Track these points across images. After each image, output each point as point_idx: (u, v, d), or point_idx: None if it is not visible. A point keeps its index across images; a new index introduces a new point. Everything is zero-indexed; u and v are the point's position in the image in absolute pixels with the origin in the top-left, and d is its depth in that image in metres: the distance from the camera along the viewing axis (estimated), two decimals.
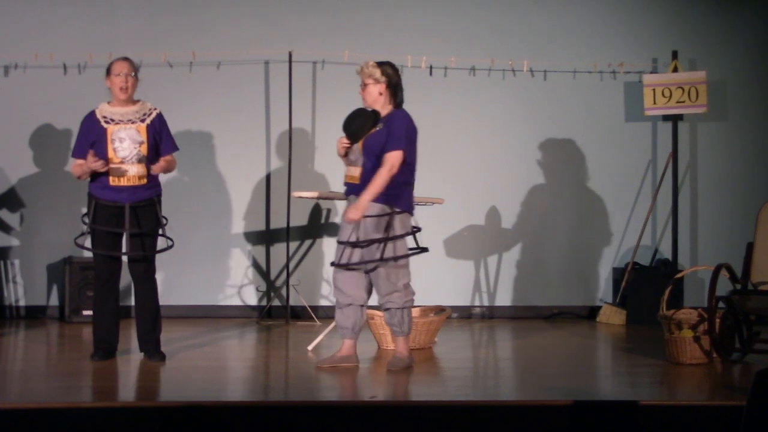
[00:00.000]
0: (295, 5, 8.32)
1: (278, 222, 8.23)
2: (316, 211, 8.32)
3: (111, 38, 8.01)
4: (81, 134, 6.14)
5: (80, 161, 6.10)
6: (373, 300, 6.95)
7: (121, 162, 6.01)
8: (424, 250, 6.23)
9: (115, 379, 5.80)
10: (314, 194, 7.03)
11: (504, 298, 8.46)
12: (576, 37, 8.48)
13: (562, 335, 7.63)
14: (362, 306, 6.06)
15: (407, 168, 5.95)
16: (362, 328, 6.12)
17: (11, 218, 8.09)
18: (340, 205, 8.23)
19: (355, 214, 5.82)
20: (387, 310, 5.99)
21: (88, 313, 7.51)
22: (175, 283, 8.03)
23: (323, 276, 8.30)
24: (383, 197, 5.88)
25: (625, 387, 5.82)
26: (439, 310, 7.06)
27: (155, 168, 6.05)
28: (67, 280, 7.85)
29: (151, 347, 6.20)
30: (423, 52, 8.27)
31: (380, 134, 5.92)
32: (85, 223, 6.18)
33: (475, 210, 8.43)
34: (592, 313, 8.41)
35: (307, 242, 8.31)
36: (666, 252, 8.46)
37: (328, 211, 8.33)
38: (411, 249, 6.11)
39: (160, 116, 6.18)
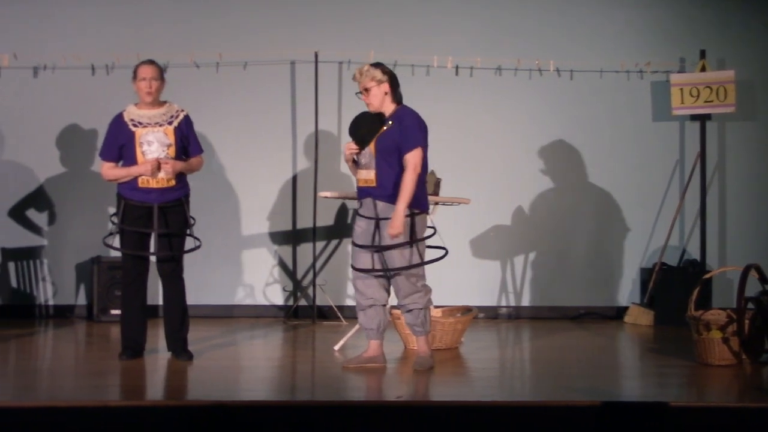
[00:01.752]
0: (321, 6, 8.33)
1: (304, 222, 8.24)
2: (342, 211, 8.33)
3: (138, 39, 8.05)
4: (110, 137, 6.18)
5: (110, 164, 6.15)
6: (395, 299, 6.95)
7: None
8: (446, 251, 6.17)
9: (143, 378, 5.83)
10: (340, 194, 7.04)
11: (530, 299, 8.44)
12: (603, 36, 8.44)
13: (589, 336, 7.60)
14: (384, 306, 6.05)
15: (423, 167, 5.91)
16: (387, 327, 6.11)
17: (40, 218, 8.15)
18: None
19: (397, 227, 5.74)
20: (410, 311, 5.98)
21: (115, 312, 7.57)
22: (203, 282, 8.06)
23: (349, 276, 8.30)
24: None
25: (653, 388, 5.78)
26: (466, 310, 7.04)
27: (175, 165, 6.05)
28: (95, 280, 7.90)
29: (179, 346, 6.23)
30: (449, 52, 8.26)
31: (392, 132, 5.86)
32: (114, 223, 6.22)
33: (502, 210, 8.41)
34: (619, 313, 8.37)
35: (334, 242, 8.31)
36: (694, 252, 8.40)
37: (355, 211, 8.31)
38: (431, 246, 6.06)
39: (187, 118, 6.22)
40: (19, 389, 5.57)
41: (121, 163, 6.17)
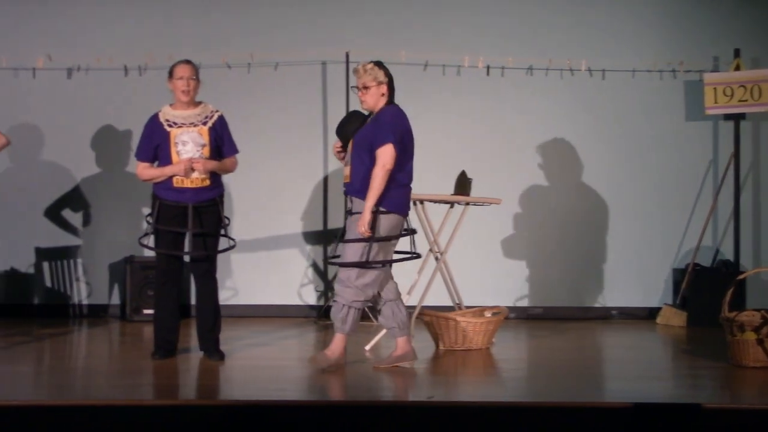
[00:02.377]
0: (352, 6, 8.34)
1: (336, 222, 8.25)
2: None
3: (170, 40, 8.10)
4: (145, 137, 6.23)
5: (146, 164, 6.21)
6: (432, 300, 6.95)
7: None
8: (416, 255, 6.07)
9: (176, 378, 5.86)
10: None
11: (562, 299, 8.41)
12: (635, 35, 8.39)
13: (620, 337, 7.56)
14: (394, 300, 5.96)
15: (396, 166, 5.80)
16: (408, 321, 6.02)
17: (75, 218, 8.23)
18: None
19: (362, 224, 5.72)
20: (335, 302, 5.90)
21: (148, 311, 7.62)
22: (235, 282, 8.10)
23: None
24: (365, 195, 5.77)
25: (686, 390, 5.74)
26: (497, 311, 7.03)
27: (208, 164, 6.09)
28: (129, 280, 7.96)
29: (211, 346, 6.26)
30: (480, 52, 8.24)
31: (367, 129, 5.86)
32: (149, 223, 6.26)
33: (533, 210, 8.39)
34: (651, 314, 8.32)
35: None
36: (727, 253, 8.34)
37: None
38: (399, 252, 6.00)
39: (221, 119, 6.25)
40: (54, 388, 5.62)
41: (156, 163, 6.21)
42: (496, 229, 8.26)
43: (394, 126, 5.82)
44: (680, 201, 8.43)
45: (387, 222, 5.85)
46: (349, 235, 5.87)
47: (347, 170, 5.94)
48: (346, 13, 8.33)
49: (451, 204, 6.96)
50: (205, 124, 6.18)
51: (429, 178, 7.99)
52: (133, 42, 8.17)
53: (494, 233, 8.27)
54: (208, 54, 8.08)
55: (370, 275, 5.85)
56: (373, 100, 5.91)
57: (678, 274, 8.29)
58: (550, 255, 8.41)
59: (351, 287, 5.83)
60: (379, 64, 5.97)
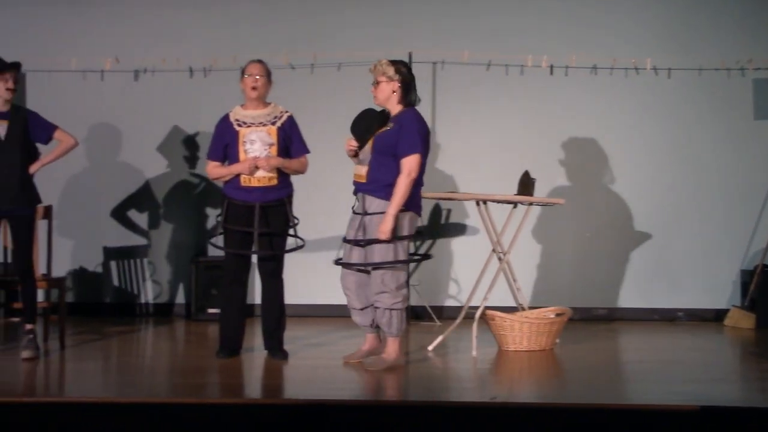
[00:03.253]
0: (414, 6, 8.34)
1: None
2: (436, 211, 8.33)
3: (234, 41, 8.18)
4: (215, 137, 6.31)
5: (215, 163, 6.28)
6: (495, 300, 6.93)
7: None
8: (427, 257, 6.16)
9: (240, 377, 5.92)
10: (437, 195, 7.04)
11: (626, 300, 8.32)
12: (702, 33, 8.27)
13: (687, 338, 7.47)
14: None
15: (419, 172, 5.90)
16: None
17: (141, 218, 8.35)
18: (464, 206, 8.23)
19: (385, 231, 5.80)
20: (377, 309, 5.97)
21: (212, 311, 7.71)
22: (300, 282, 8.14)
23: (444, 276, 8.31)
24: (389, 195, 5.84)
25: (754, 393, 5.65)
26: (560, 311, 6.98)
27: (272, 161, 6.13)
28: (194, 279, 8.06)
29: (275, 345, 6.31)
30: (543, 51, 8.19)
31: (391, 134, 5.91)
32: (219, 223, 6.33)
33: (597, 210, 8.31)
34: (718, 316, 8.19)
35: (428, 242, 8.32)
36: None
37: (449, 211, 8.33)
38: (413, 254, 6.09)
39: (291, 119, 6.31)
40: (121, 386, 5.72)
41: (227, 162, 6.28)
42: (559, 229, 8.20)
43: (421, 134, 5.91)
44: (748, 201, 8.29)
45: (409, 221, 5.94)
46: (371, 237, 5.90)
47: (362, 169, 5.98)
48: (409, 14, 8.33)
49: (515, 204, 6.93)
50: (273, 123, 6.24)
51: (491, 178, 7.99)
52: (198, 44, 8.26)
53: (557, 234, 8.21)
54: (272, 55, 8.10)
55: (402, 275, 5.97)
56: (383, 96, 6.02)
57: (746, 276, 8.15)
58: (614, 256, 8.32)
59: (387, 291, 5.91)
60: (393, 62, 6.06)
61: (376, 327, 6.16)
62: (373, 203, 5.92)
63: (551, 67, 8.23)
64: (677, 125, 8.30)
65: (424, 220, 8.29)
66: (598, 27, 8.28)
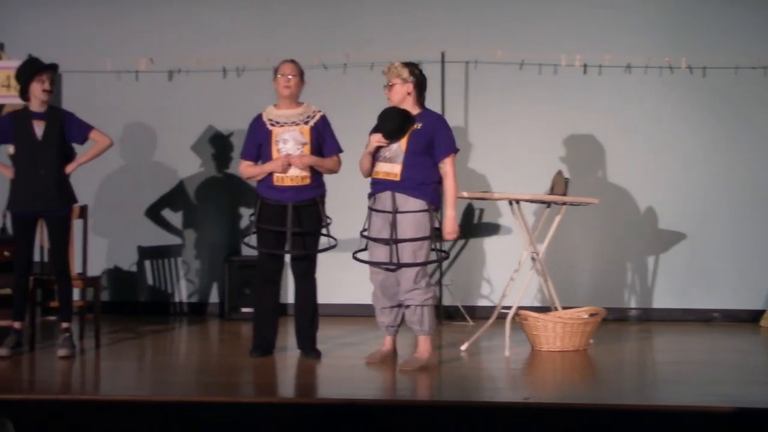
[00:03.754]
0: (447, 6, 8.33)
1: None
2: (468, 210, 8.32)
3: (267, 42, 8.21)
4: (249, 136, 6.35)
5: (249, 162, 6.30)
6: (528, 300, 6.91)
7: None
8: (446, 255, 6.40)
9: (273, 376, 5.94)
10: (472, 194, 7.03)
11: (661, 301, 8.26)
12: (737, 31, 8.19)
13: (722, 339, 7.41)
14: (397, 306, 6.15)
15: (437, 167, 6.02)
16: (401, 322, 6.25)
17: (175, 217, 8.41)
18: (497, 206, 8.21)
19: (451, 233, 5.98)
20: (407, 307, 6.01)
21: (246, 310, 7.75)
22: (333, 281, 8.15)
23: (477, 276, 8.30)
24: (422, 193, 5.94)
25: None
26: (594, 312, 6.95)
27: (305, 158, 6.15)
28: (227, 279, 8.10)
29: (308, 345, 6.33)
30: (576, 50, 8.15)
31: (421, 133, 5.99)
32: (252, 222, 6.36)
33: (631, 210, 8.26)
34: (754, 317, 8.12)
35: (460, 242, 8.31)
36: None
37: (481, 211, 8.31)
38: (439, 250, 6.20)
39: (323, 118, 6.33)
40: (155, 384, 5.76)
41: (260, 162, 6.31)
42: (593, 229, 8.16)
43: (452, 134, 6.08)
44: None
45: (434, 218, 6.02)
46: (403, 235, 5.93)
47: (390, 167, 5.99)
48: (442, 13, 8.32)
49: (548, 204, 6.91)
50: (306, 123, 6.27)
51: (525, 177, 7.96)
52: (232, 44, 8.30)
53: (591, 234, 8.17)
54: (304, 55, 8.11)
55: (426, 273, 6.04)
56: (398, 98, 6.08)
57: None
58: (649, 255, 8.27)
59: (417, 288, 5.95)
60: (407, 64, 6.13)
61: (397, 327, 6.21)
62: (408, 201, 5.94)
63: (585, 66, 8.19)
64: (712, 124, 8.23)
65: (457, 219, 8.30)
66: (631, 26, 8.22)
